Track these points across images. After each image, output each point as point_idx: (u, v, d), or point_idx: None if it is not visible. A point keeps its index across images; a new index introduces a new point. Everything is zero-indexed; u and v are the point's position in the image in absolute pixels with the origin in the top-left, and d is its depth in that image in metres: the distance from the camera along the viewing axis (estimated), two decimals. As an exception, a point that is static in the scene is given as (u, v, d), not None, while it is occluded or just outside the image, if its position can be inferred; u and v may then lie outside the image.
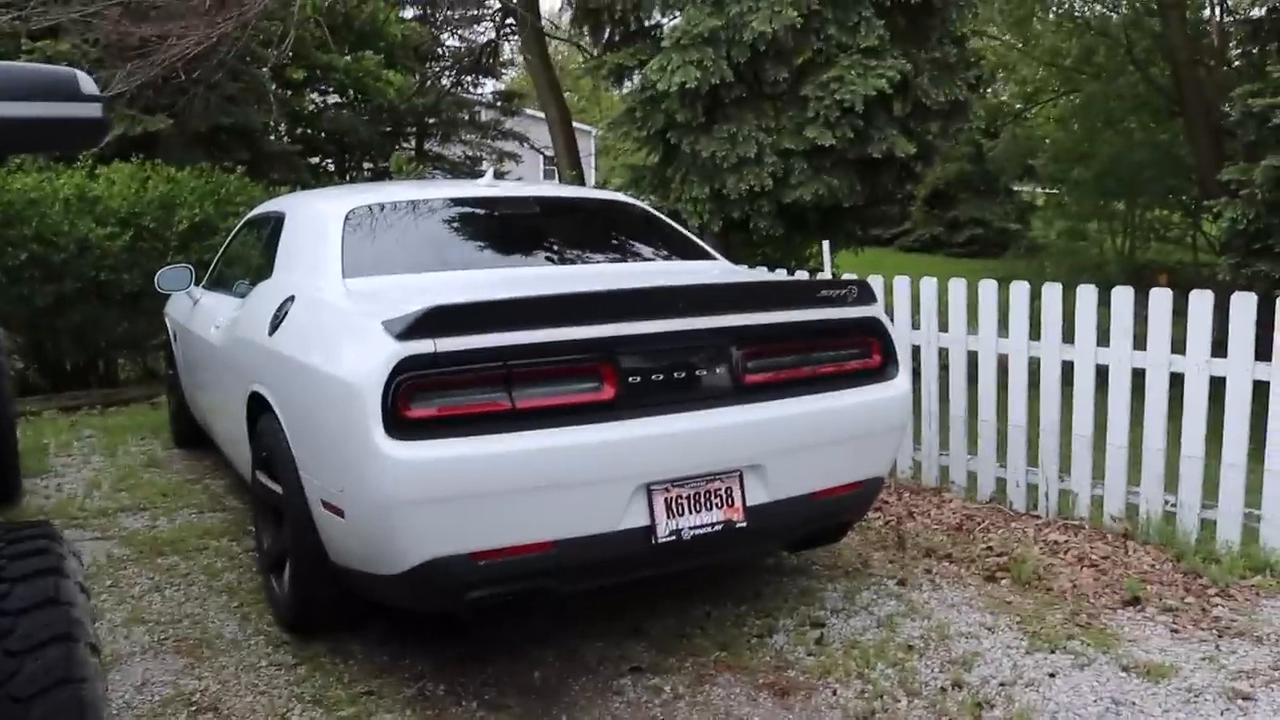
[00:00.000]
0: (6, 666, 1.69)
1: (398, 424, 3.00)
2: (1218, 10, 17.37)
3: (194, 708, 3.40)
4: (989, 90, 20.96)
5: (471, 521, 3.07)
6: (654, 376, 3.36)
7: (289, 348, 3.75)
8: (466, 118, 21.23)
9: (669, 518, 3.34)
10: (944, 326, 5.75)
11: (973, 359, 5.61)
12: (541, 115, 15.32)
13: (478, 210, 4.74)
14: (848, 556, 4.69)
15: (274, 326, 3.95)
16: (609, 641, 3.85)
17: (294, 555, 3.72)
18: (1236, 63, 16.26)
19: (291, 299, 3.97)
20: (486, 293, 3.37)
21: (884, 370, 3.94)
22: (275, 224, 4.86)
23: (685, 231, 5.02)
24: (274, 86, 16.18)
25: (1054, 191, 25.19)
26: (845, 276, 3.95)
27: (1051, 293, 5.22)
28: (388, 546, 3.12)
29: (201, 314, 5.57)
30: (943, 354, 5.77)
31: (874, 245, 19.46)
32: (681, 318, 3.39)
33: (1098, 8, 18.49)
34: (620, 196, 5.30)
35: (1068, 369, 5.18)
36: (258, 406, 4.05)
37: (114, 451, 7.02)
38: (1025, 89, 22.21)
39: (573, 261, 4.51)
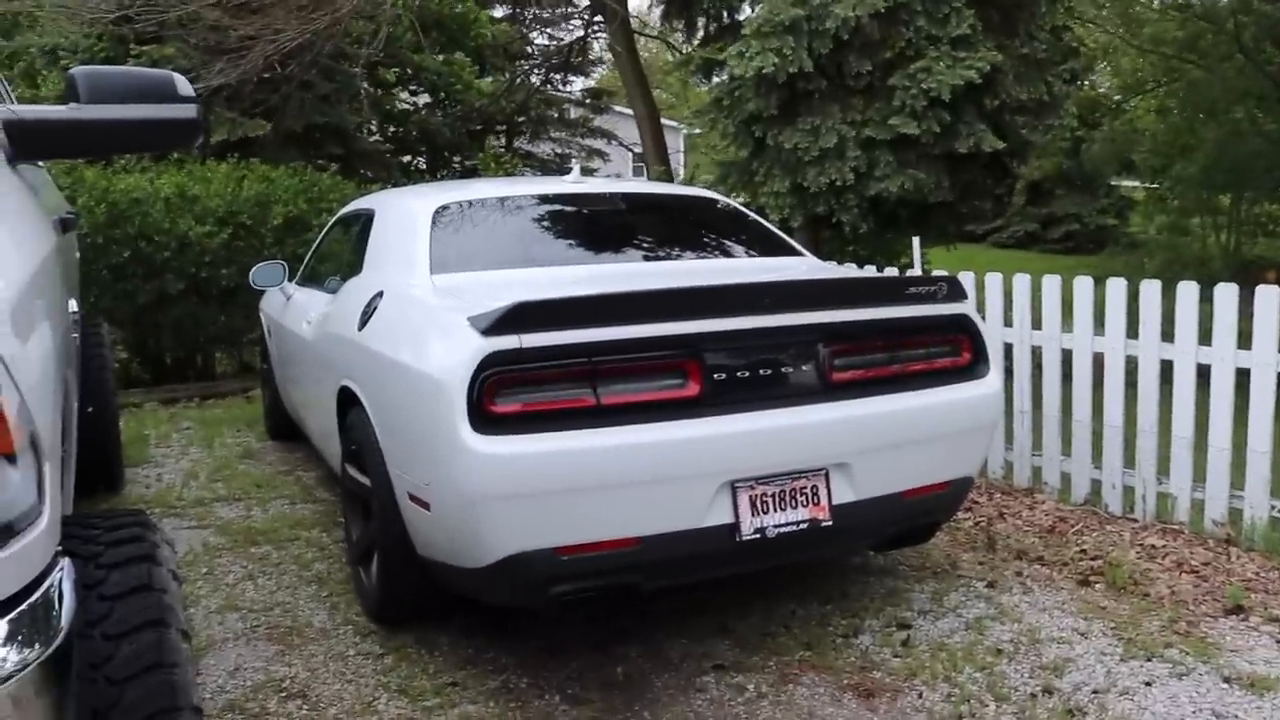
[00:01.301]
0: (103, 650, 1.73)
1: (483, 419, 3.03)
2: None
3: (283, 693, 3.47)
4: (1087, 82, 20.47)
5: (555, 516, 3.08)
6: (739, 373, 3.33)
7: (377, 343, 3.80)
8: (555, 115, 21.36)
9: (753, 515, 3.32)
10: (1037, 324, 5.62)
11: (1067, 358, 5.48)
12: (629, 112, 15.35)
13: (564, 207, 4.75)
14: (936, 557, 4.61)
15: (363, 322, 4.01)
16: (693, 638, 3.84)
17: (381, 547, 3.78)
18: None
19: (380, 295, 4.02)
20: (572, 289, 3.37)
21: (974, 368, 3.87)
22: (365, 221, 4.94)
23: (772, 228, 4.98)
24: (366, 86, 16.46)
25: (1154, 186, 24.49)
26: (935, 273, 3.87)
27: (1150, 289, 5.07)
28: (472, 540, 3.15)
29: (294, 309, 5.68)
30: (1036, 352, 5.64)
31: (967, 242, 19.12)
32: (767, 314, 3.37)
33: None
34: (706, 192, 5.28)
35: (1166, 368, 5.03)
36: (347, 400, 4.11)
37: (211, 443, 7.20)
38: (1125, 79, 21.60)
39: (659, 258, 4.50)
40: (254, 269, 6.05)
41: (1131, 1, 18.06)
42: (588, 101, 22.41)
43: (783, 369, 3.42)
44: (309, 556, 4.78)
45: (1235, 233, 23.28)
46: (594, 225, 4.69)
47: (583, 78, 22.41)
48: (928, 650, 3.72)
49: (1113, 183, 27.09)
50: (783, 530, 3.36)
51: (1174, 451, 5.04)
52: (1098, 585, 4.32)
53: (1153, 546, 4.74)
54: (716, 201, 5.14)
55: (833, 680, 3.53)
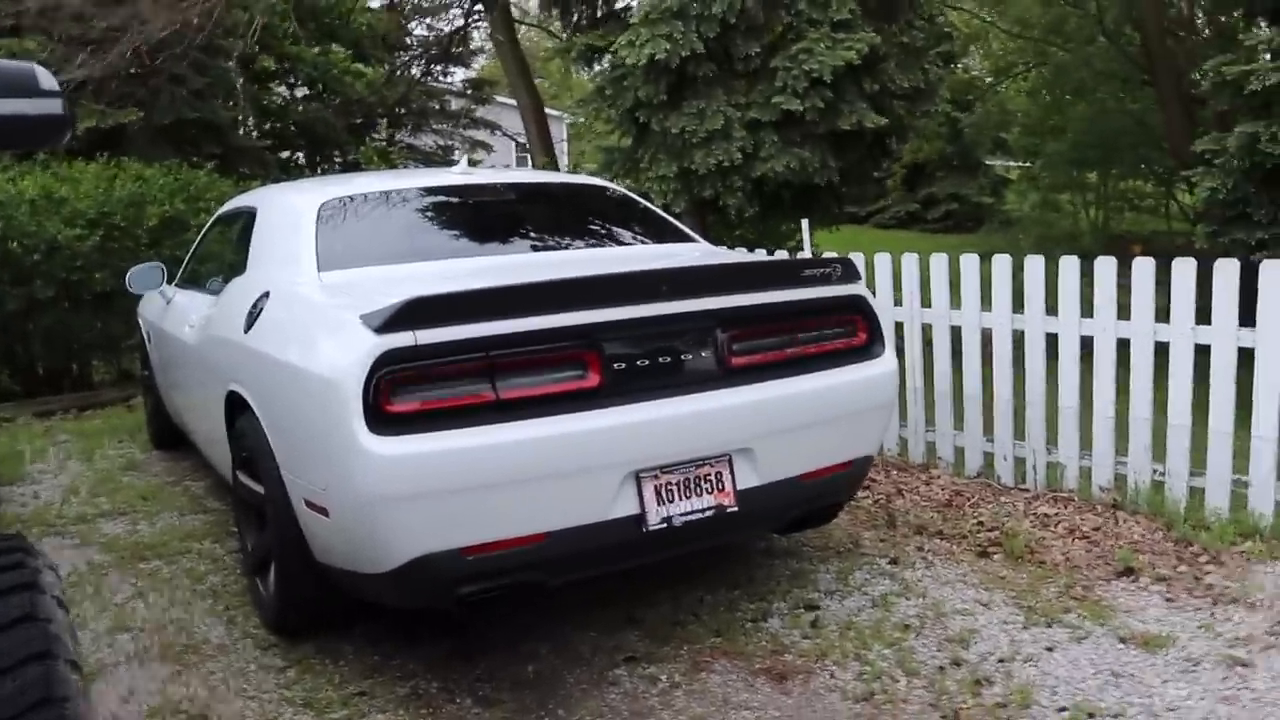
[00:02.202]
0: None
1: (380, 419, 2.94)
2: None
3: (183, 716, 3.33)
4: (960, 65, 20.95)
5: (459, 516, 3.01)
6: (639, 362, 3.30)
7: (265, 345, 3.67)
8: (437, 107, 21.04)
9: (659, 505, 3.29)
10: (926, 302, 5.72)
11: (956, 334, 5.59)
12: (512, 102, 15.23)
13: (452, 199, 4.66)
14: (839, 537, 4.65)
15: (249, 323, 3.87)
16: (602, 631, 3.81)
17: (278, 556, 3.66)
18: (1205, 32, 16.31)
19: (266, 295, 3.89)
20: (466, 282, 3.30)
21: (869, 348, 3.90)
22: (247, 219, 4.78)
23: (662, 214, 4.97)
24: (241, 80, 16.01)
25: (1026, 165, 25.23)
26: (826, 255, 3.90)
27: (1034, 265, 5.19)
28: (374, 544, 3.06)
29: (175, 313, 5.48)
30: (926, 330, 5.75)
31: (850, 223, 19.43)
32: (665, 301, 3.34)
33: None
34: (596, 180, 5.24)
35: (1052, 342, 5.16)
36: (236, 405, 3.97)
37: (91, 456, 6.92)
38: (996, 62, 22.21)
39: (551, 248, 4.45)
40: (130, 272, 5.81)
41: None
42: (469, 92, 22.13)
43: (682, 356, 3.40)
44: (202, 569, 4.62)
45: (1103, 208, 24.13)
46: (483, 217, 4.61)
47: (464, 68, 22.14)
48: (836, 630, 3.75)
49: (987, 162, 27.83)
50: (689, 518, 3.35)
51: (1061, 422, 5.18)
52: (996, 556, 4.41)
53: (1046, 515, 4.86)
54: (606, 189, 5.11)
55: (745, 665, 3.53)
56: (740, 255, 5.52)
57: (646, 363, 3.31)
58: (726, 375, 3.47)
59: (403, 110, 20.31)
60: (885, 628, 3.75)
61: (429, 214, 4.55)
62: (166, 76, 12.77)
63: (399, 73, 19.91)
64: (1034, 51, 19.60)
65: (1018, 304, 5.27)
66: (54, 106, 2.67)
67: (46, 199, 8.70)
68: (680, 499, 3.34)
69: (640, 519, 3.26)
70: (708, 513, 3.38)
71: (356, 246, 4.08)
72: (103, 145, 11.10)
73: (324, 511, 3.20)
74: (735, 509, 3.44)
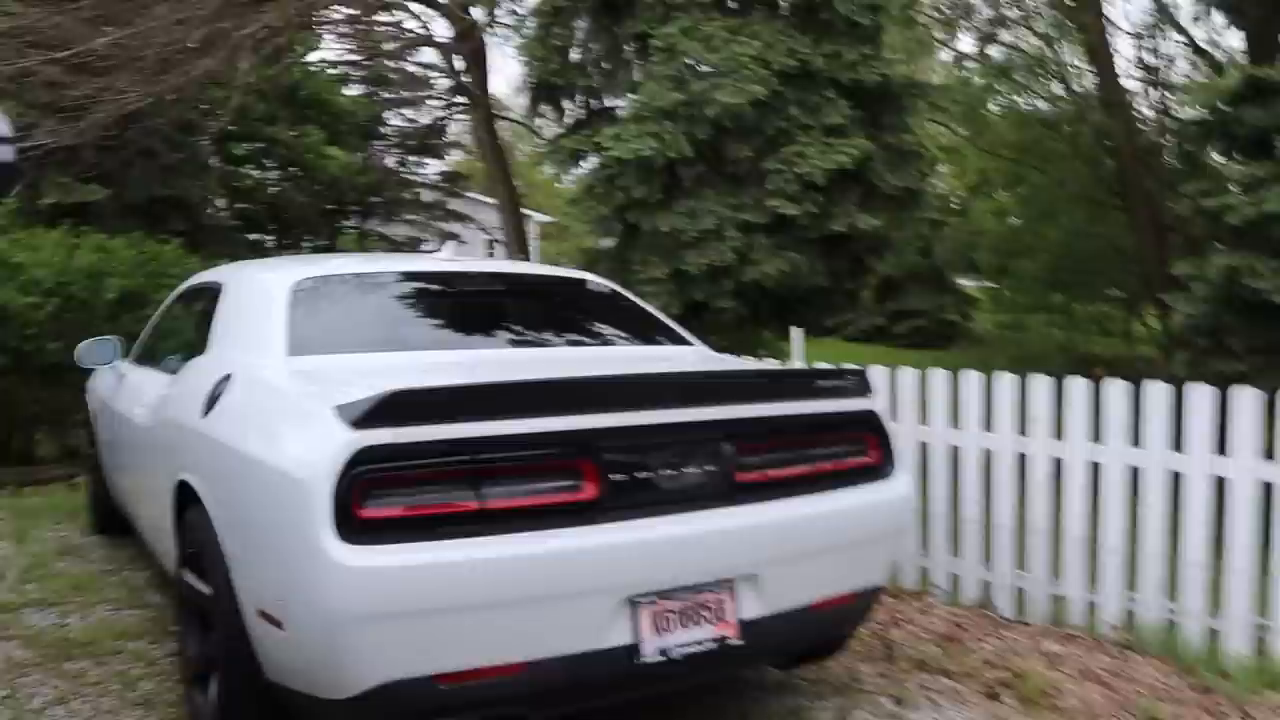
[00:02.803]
0: None
1: (350, 526, 2.60)
2: (1155, 109, 17.75)
3: None
4: (931, 182, 21.15)
5: (433, 640, 2.65)
6: (639, 474, 2.99)
7: (223, 433, 3.33)
8: (410, 197, 20.91)
9: (655, 635, 2.95)
10: (923, 419, 5.46)
11: (954, 454, 5.32)
12: (484, 199, 15.15)
13: (437, 286, 4.37)
14: (835, 670, 4.29)
15: (208, 407, 3.53)
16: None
17: (223, 668, 3.26)
18: (1174, 160, 16.53)
19: (228, 377, 3.55)
20: (451, 377, 2.99)
21: (881, 468, 3.61)
22: (211, 295, 4.45)
23: (659, 314, 4.69)
24: (214, 158, 15.79)
25: (992, 286, 25.41)
26: (838, 366, 3.63)
27: (1039, 385, 4.96)
28: (335, 667, 2.69)
29: (127, 390, 5.11)
30: (923, 449, 5.47)
31: (817, 335, 19.30)
32: (671, 408, 3.04)
33: (1041, 103, 18.77)
34: (588, 275, 4.97)
35: (1057, 467, 4.90)
36: (187, 497, 3.60)
37: (24, 537, 6.45)
38: (970, 180, 22.44)
39: (541, 344, 4.15)
40: (80, 347, 5.44)
41: (979, 103, 18.77)
42: (444, 185, 22.06)
43: (685, 470, 3.08)
44: (134, 673, 4.18)
45: (1070, 330, 24.27)
46: (468, 307, 4.31)
47: (439, 160, 22.07)
48: (838, 779, 3.39)
49: (958, 281, 27.98)
50: (688, 650, 3.00)
51: (1066, 553, 4.90)
52: (1007, 699, 4.07)
53: (1054, 654, 4.53)
54: (601, 285, 4.83)
55: (738, 818, 3.15)
56: (744, 362, 5.24)
57: (647, 476, 3.00)
58: (732, 493, 3.16)
59: (376, 198, 20.16)
60: (892, 779, 3.40)
61: (410, 301, 4.24)
62: (137, 150, 12.53)
63: (373, 159, 19.80)
64: (1007, 172, 19.78)
65: (1022, 426, 5.03)
66: (4, 154, 2.38)
67: (1, 265, 8.32)
68: (679, 629, 3.00)
69: (634, 650, 2.91)
70: (708, 645, 3.04)
71: (331, 331, 3.76)
72: (70, 216, 10.77)
73: (279, 624, 2.83)
74: (739, 642, 3.10)
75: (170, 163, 13.45)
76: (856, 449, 3.56)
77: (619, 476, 2.93)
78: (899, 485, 3.61)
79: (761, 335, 11.37)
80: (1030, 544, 5.01)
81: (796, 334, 6.26)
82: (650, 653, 2.93)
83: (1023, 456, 5.05)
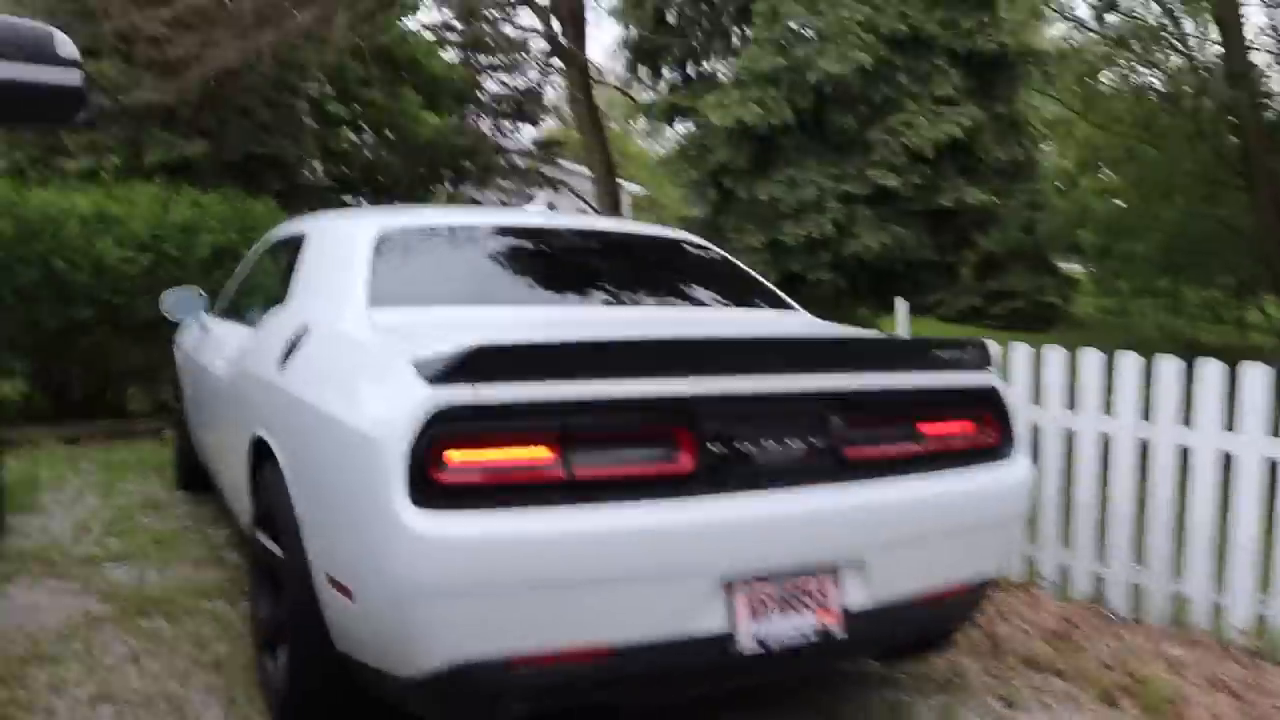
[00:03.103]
0: None
1: (426, 490, 2.39)
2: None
3: (155, 825, 2.77)
4: (1038, 156, 20.38)
5: (511, 618, 2.44)
6: (740, 446, 2.73)
7: (298, 387, 3.15)
8: (504, 163, 20.79)
9: (752, 622, 2.70)
10: (1037, 400, 5.10)
11: (1068, 438, 4.97)
12: (577, 167, 14.90)
13: (529, 241, 4.15)
14: (938, 665, 4.01)
15: (283, 360, 3.36)
16: (661, 760, 3.19)
17: (291, 635, 3.10)
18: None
19: (306, 329, 3.38)
20: (541, 333, 2.77)
21: (1000, 449, 3.31)
22: (295, 245, 4.30)
23: (760, 278, 4.42)
24: (310, 120, 15.81)
25: (1090, 270, 24.52)
26: (957, 337, 3.32)
27: (1167, 366, 4.58)
28: (405, 642, 2.49)
29: (210, 344, 5.00)
30: (1035, 433, 5.12)
31: (914, 314, 18.74)
32: (777, 375, 2.78)
33: (1159, 75, 17.89)
34: (688, 235, 4.71)
35: (1184, 457, 4.54)
36: (262, 453, 3.45)
37: (111, 490, 6.43)
38: (1076, 156, 21.57)
39: (635, 304, 3.90)
40: (165, 294, 5.34)
41: (1092, 74, 17.96)
42: (538, 151, 21.90)
43: (790, 443, 2.82)
44: (208, 633, 4.07)
45: (1179, 314, 23.33)
46: (561, 264, 4.09)
47: (533, 125, 21.91)
48: (944, 785, 3.12)
49: (1058, 264, 27.06)
50: (786, 641, 2.75)
51: (1190, 549, 4.53)
52: (1126, 706, 3.76)
53: (1176, 658, 4.19)
54: (703, 246, 4.57)
55: (834, 823, 2.90)
56: (854, 330, 4.94)
57: (749, 448, 2.74)
58: (840, 470, 2.89)
59: (468, 162, 20.06)
60: (1003, 788, 3.11)
61: (500, 255, 4.03)
62: (235, 107, 12.54)
63: (468, 123, 19.69)
64: (1118, 147, 18.96)
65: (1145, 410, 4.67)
66: (71, 77, 2.19)
67: (99, 218, 8.34)
68: (777, 616, 2.74)
69: (729, 638, 2.67)
70: (809, 636, 2.78)
71: (415, 283, 3.57)
72: (170, 174, 10.80)
73: (348, 593, 2.65)
74: (841, 633, 2.83)
75: (267, 121, 13.45)
76: (974, 427, 3.26)
77: (718, 448, 2.68)
78: (1018, 469, 3.30)
79: (858, 310, 11.01)
80: (1150, 538, 4.65)
81: (901, 305, 5.93)
82: (746, 642, 2.68)
83: (1144, 443, 4.69)
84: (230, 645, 3.96)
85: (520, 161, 21.04)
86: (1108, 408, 4.81)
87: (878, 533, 2.90)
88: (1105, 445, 4.82)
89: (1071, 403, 4.94)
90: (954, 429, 3.19)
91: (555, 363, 2.51)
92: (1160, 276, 19.69)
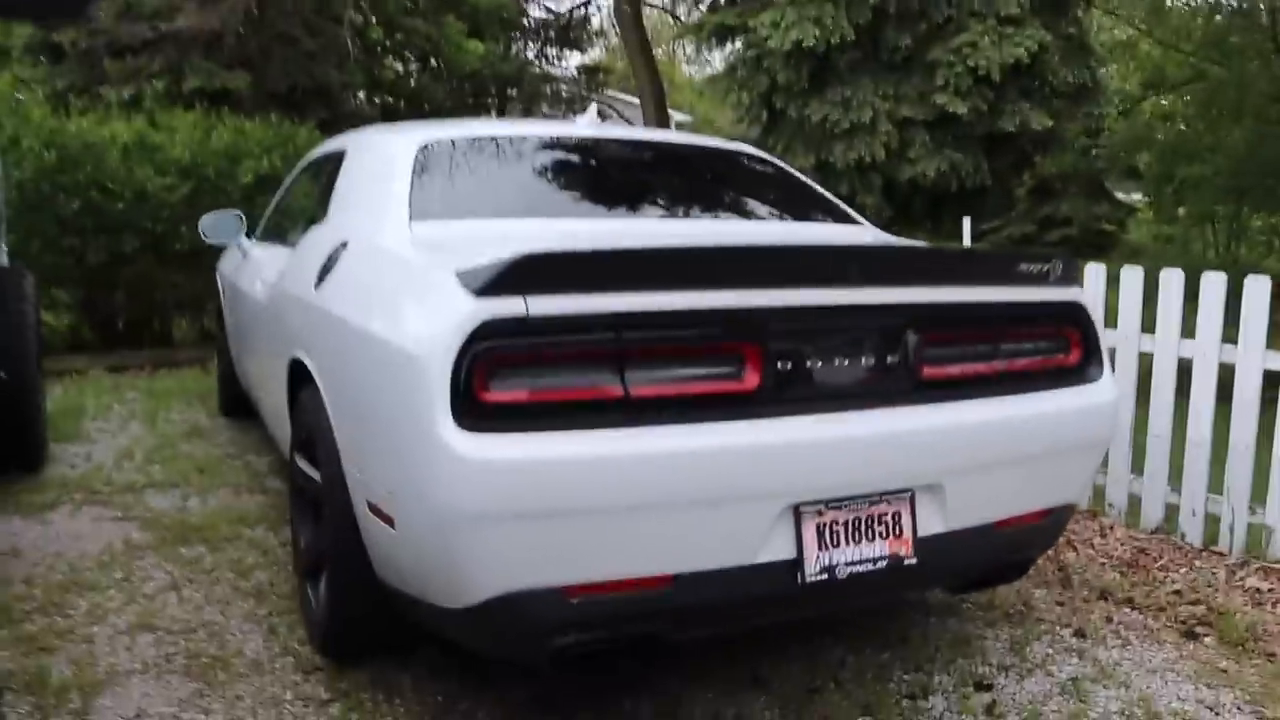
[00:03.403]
0: None
1: (472, 411, 2.22)
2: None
3: (195, 757, 2.66)
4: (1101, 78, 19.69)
5: (564, 546, 2.27)
6: (811, 364, 2.53)
7: (337, 304, 2.99)
8: (549, 91, 20.43)
9: (820, 550, 2.52)
10: (1111, 322, 4.84)
11: (1143, 363, 4.71)
12: (623, 96, 14.55)
13: (578, 153, 3.94)
14: (1005, 595, 3.83)
15: (321, 278, 3.20)
16: (719, 692, 3.05)
17: (333, 563, 2.97)
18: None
19: (345, 245, 3.21)
20: (594, 243, 2.57)
21: (1084, 369, 3.08)
22: (335, 162, 4.12)
23: (823, 190, 4.18)
24: (353, 48, 15.57)
25: (1148, 200, 23.81)
26: (1041, 250, 3.08)
27: (1257, 287, 4.30)
28: (450, 572, 2.34)
29: (249, 268, 4.86)
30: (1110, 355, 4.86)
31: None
32: (850, 288, 2.57)
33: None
34: (746, 146, 4.47)
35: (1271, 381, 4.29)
36: (300, 376, 3.31)
37: (155, 418, 6.37)
38: (1141, 77, 20.80)
39: (692, 218, 3.68)
40: (204, 219, 5.19)
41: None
42: (583, 77, 21.48)
43: (863, 361, 2.62)
44: (249, 562, 3.97)
45: (1240, 242, 22.67)
46: (612, 176, 3.88)
47: (579, 52, 21.47)
48: (1020, 722, 2.95)
49: (1116, 193, 26.36)
50: (855, 570, 2.57)
51: (1273, 476, 4.29)
52: (1207, 639, 3.56)
53: (1257, 590, 3.99)
54: (762, 158, 4.32)
55: (905, 761, 2.74)
56: (927, 244, 4.69)
57: (819, 365, 2.54)
58: (916, 389, 2.68)
59: (514, 90, 19.73)
60: (1084, 727, 2.94)
61: (548, 168, 3.83)
62: (277, 35, 12.34)
63: (513, 51, 19.35)
64: (1186, 67, 18.26)
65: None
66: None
67: (140, 145, 8.22)
68: (847, 544, 2.56)
69: (796, 566, 2.49)
70: (879, 564, 2.60)
71: (459, 197, 3.38)
72: (213, 104, 10.65)
73: (390, 521, 2.50)
74: (913, 562, 2.65)
75: (311, 49, 13.25)
76: (1058, 346, 3.03)
77: (787, 365, 2.48)
78: (1104, 390, 3.07)
79: (913, 235, 10.70)
80: (1232, 467, 4.41)
81: (966, 225, 5.66)
82: (813, 570, 2.51)
83: (1226, 368, 4.43)
84: (271, 573, 3.86)
85: (565, 89, 20.71)
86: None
87: (955, 456, 2.70)
88: (1181, 370, 4.58)
89: (1143, 326, 4.69)
90: (1037, 348, 2.97)
91: (612, 273, 2.31)
92: (1223, 201, 19.09)
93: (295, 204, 4.90)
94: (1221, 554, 4.40)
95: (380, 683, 3.05)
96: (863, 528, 2.58)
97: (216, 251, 6.32)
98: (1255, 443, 4.33)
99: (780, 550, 2.48)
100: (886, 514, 2.62)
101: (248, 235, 5.30)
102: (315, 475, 3.11)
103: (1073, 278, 3.01)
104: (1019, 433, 2.83)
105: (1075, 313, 3.04)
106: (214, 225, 5.17)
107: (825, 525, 2.53)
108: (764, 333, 2.44)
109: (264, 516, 4.48)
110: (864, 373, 2.61)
